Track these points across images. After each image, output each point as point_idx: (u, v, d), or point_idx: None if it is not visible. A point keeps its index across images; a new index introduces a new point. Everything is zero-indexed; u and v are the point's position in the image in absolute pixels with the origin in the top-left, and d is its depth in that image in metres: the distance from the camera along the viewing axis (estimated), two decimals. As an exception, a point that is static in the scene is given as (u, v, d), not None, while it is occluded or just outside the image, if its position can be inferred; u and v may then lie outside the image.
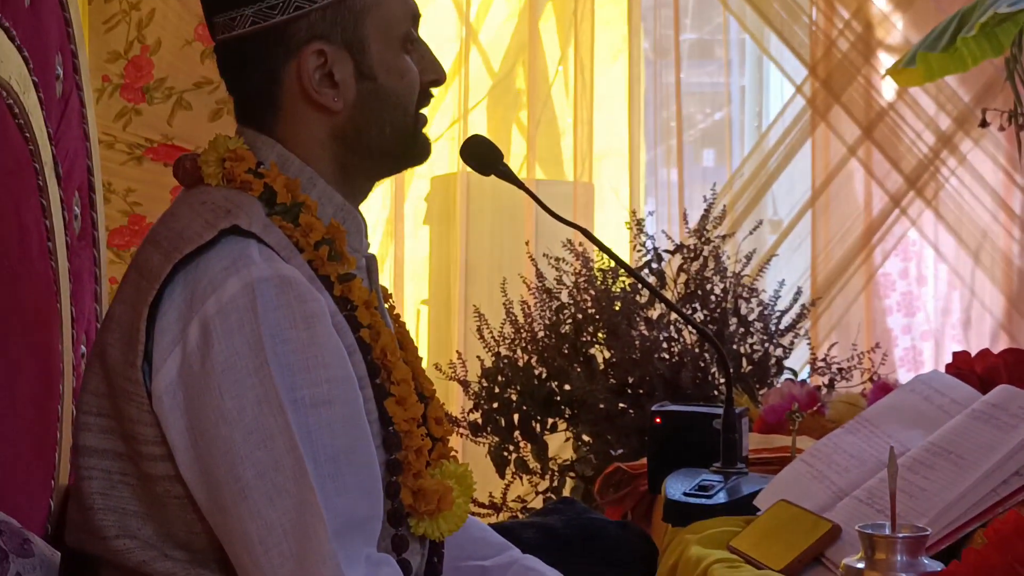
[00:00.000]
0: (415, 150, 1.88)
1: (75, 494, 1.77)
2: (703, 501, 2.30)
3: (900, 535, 1.64)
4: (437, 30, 5.19)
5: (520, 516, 3.13)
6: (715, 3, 5.57)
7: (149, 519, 1.71)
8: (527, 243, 3.90)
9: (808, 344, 3.46)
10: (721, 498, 2.29)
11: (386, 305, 1.97)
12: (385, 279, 5.01)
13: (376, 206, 5.13)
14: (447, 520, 1.81)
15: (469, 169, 2.20)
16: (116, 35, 3.93)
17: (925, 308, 5.44)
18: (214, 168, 1.81)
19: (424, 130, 1.89)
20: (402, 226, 5.40)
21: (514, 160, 5.33)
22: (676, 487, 2.39)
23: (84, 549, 1.76)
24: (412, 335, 2.01)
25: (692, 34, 5.89)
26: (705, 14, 5.96)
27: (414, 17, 1.86)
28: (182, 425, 1.65)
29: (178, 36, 3.95)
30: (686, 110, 5.53)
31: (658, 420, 2.47)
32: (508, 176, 2.03)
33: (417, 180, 5.46)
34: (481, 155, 2.04)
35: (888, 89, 5.02)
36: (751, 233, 3.52)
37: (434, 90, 1.91)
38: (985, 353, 2.58)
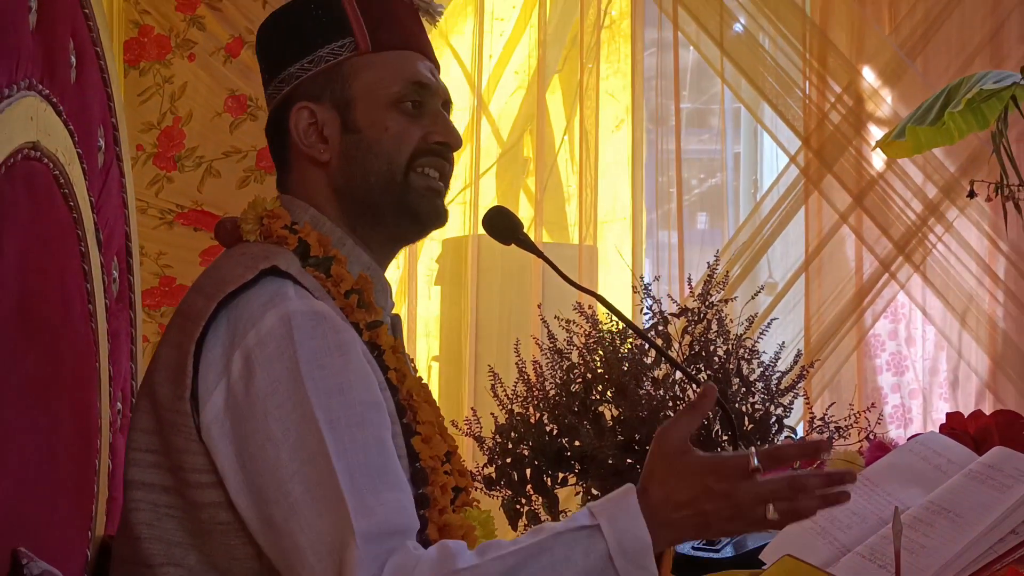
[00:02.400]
0: (408, 203, 1.90)
1: (122, 525, 1.79)
2: (711, 555, 2.30)
3: (904, 591, 1.64)
4: (448, 104, 5.21)
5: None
6: (712, 75, 5.60)
7: (193, 548, 1.73)
8: (538, 305, 3.91)
9: (805, 401, 3.45)
10: (728, 552, 2.29)
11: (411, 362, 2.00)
12: (399, 337, 5.00)
13: (390, 266, 5.12)
14: None
15: (480, 232, 2.22)
16: (150, 107, 3.96)
17: (913, 368, 5.44)
18: (253, 225, 1.87)
19: (428, 189, 1.91)
20: (415, 286, 5.42)
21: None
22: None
23: None
24: (430, 392, 2.03)
25: (688, 103, 5.92)
26: (702, 85, 5.99)
27: (415, 84, 1.91)
28: (231, 451, 1.68)
29: (208, 108, 3.98)
30: (683, 176, 5.54)
31: (666, 476, 2.46)
32: (528, 245, 2.05)
33: (429, 242, 5.48)
34: (503, 225, 2.06)
35: (878, 160, 5.04)
36: (753, 298, 3.53)
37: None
38: (977, 414, 2.58)
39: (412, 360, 2.07)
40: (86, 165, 2.30)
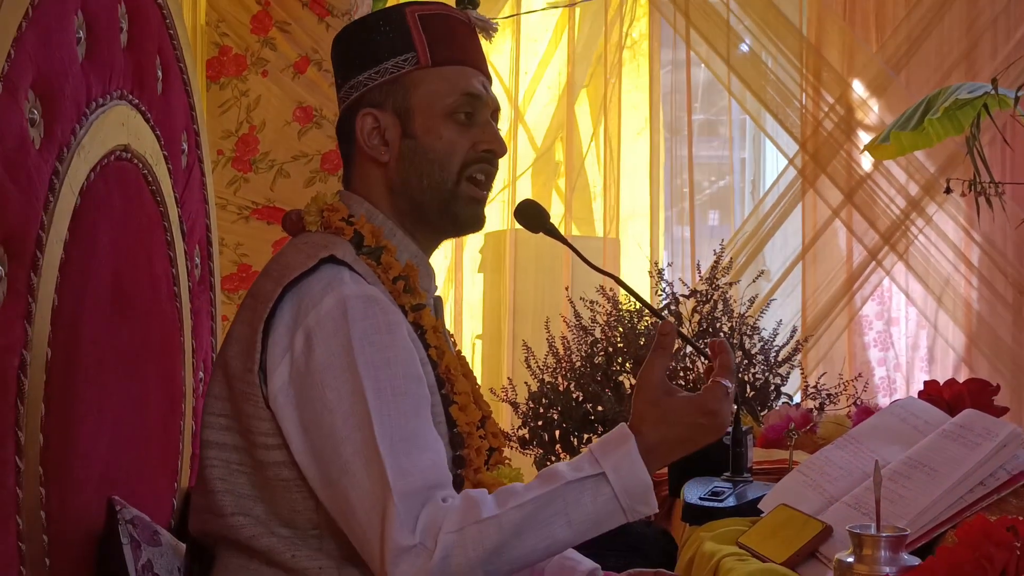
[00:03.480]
0: (453, 208, 1.87)
1: (199, 479, 1.80)
2: (716, 504, 2.29)
3: (884, 535, 1.62)
4: (490, 113, 5.21)
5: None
6: (720, 89, 5.57)
7: (259, 501, 1.73)
8: (566, 288, 3.90)
9: (801, 373, 3.43)
10: (731, 502, 2.28)
11: (450, 339, 1.99)
12: (446, 317, 5.03)
13: (439, 256, 5.15)
14: None
15: (517, 226, 2.20)
16: (229, 117, 3.97)
17: (897, 344, 5.40)
18: (314, 217, 1.87)
19: (472, 199, 1.88)
20: (461, 273, 5.43)
21: (553, 220, 5.30)
22: (693, 492, 2.37)
23: (205, 529, 1.78)
24: (468, 364, 2.02)
25: (701, 115, 5.89)
26: (712, 98, 5.96)
27: (469, 96, 1.88)
28: (295, 417, 1.67)
29: (279, 117, 3.98)
30: (695, 178, 5.52)
31: (677, 436, 2.45)
32: (554, 233, 2.03)
33: (473, 236, 5.48)
34: (532, 216, 2.04)
35: (866, 162, 5.01)
36: (754, 280, 3.50)
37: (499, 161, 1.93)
38: (952, 382, 2.56)
39: (452, 336, 2.06)
40: (171, 165, 2.31)
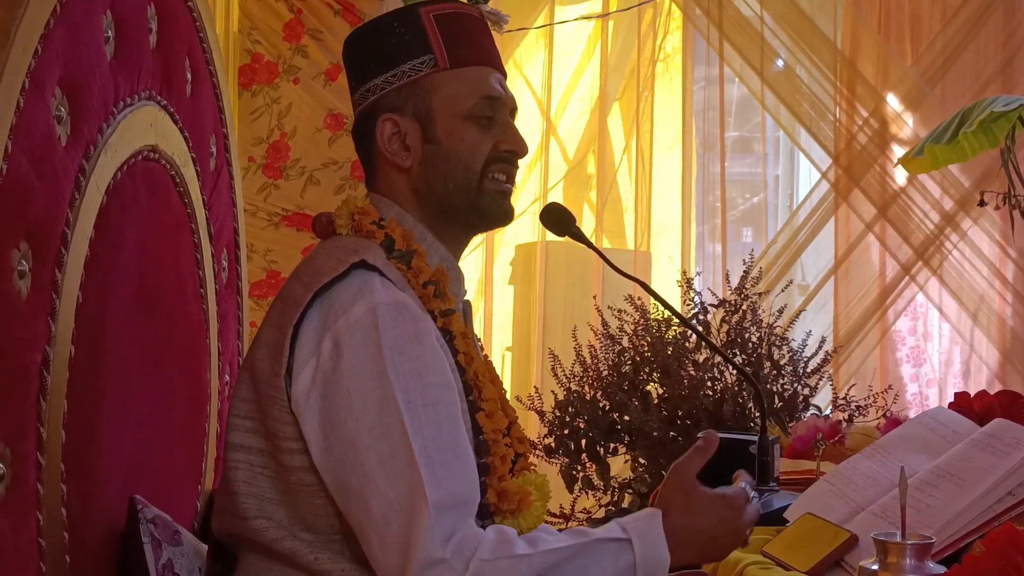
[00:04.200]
0: (481, 205, 1.87)
1: (223, 481, 1.79)
2: (740, 514, 2.26)
3: (909, 543, 1.60)
4: (521, 124, 5.21)
5: (586, 525, 3.09)
6: (754, 106, 5.55)
7: (282, 504, 1.73)
8: (594, 297, 3.89)
9: (831, 387, 3.41)
10: (756, 511, 2.25)
11: (478, 344, 1.98)
12: (476, 329, 5.02)
13: (469, 268, 5.15)
14: (526, 519, 1.80)
15: (548, 238, 2.20)
16: (260, 124, 3.99)
17: (931, 360, 5.35)
18: (345, 220, 1.86)
19: (499, 192, 1.88)
20: (491, 286, 5.42)
21: (585, 232, 5.30)
22: (718, 501, 2.35)
23: (228, 530, 1.77)
24: (495, 370, 2.01)
25: (734, 132, 5.86)
26: (746, 115, 5.93)
27: (488, 98, 1.87)
28: (316, 421, 1.67)
29: (310, 125, 4.00)
30: (728, 195, 5.49)
31: (703, 446, 2.44)
32: (580, 237, 2.02)
33: (504, 248, 5.49)
34: (558, 219, 2.03)
35: (900, 176, 4.97)
36: (783, 291, 3.49)
37: (520, 162, 1.92)
38: (982, 394, 2.52)
39: (480, 341, 2.04)
40: (199, 168, 2.32)
